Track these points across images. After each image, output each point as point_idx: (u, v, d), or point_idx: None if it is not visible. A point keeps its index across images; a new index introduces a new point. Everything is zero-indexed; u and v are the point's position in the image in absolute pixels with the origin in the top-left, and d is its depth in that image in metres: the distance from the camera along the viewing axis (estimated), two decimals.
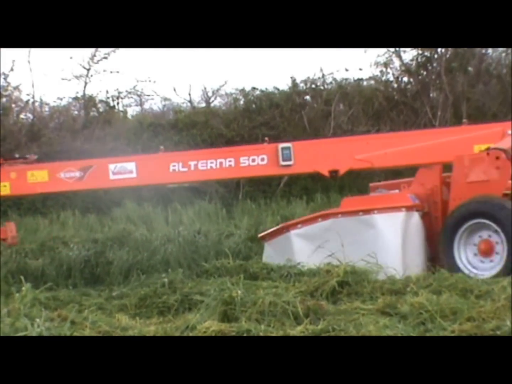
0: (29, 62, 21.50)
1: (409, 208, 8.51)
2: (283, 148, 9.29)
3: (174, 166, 9.40)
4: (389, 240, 8.25)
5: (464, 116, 20.42)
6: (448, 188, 8.66)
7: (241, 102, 22.54)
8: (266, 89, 21.99)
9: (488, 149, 8.31)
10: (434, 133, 10.12)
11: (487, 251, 8.14)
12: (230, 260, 8.12)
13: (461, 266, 8.15)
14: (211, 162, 9.36)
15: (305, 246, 8.45)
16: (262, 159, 9.27)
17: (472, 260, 8.21)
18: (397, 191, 9.19)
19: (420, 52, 20.79)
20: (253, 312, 5.90)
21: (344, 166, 9.39)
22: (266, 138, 9.95)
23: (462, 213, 8.20)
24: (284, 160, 9.25)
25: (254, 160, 9.32)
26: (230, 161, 9.35)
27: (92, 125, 21.75)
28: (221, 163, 9.36)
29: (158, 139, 20.09)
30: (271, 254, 8.87)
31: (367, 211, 8.43)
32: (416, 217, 8.58)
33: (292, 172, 9.88)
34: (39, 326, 5.20)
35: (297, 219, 9.04)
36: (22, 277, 8.13)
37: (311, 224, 8.62)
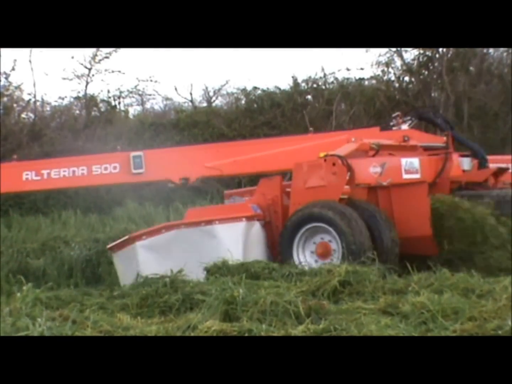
0: (30, 61, 21.54)
1: (249, 218, 8.72)
2: (134, 157, 9.54)
3: (27, 175, 9.50)
4: (230, 249, 8.36)
5: (466, 116, 20.50)
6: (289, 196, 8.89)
7: (243, 101, 22.57)
8: (268, 88, 22.02)
9: (325, 155, 8.51)
10: (283, 141, 10.49)
11: (324, 254, 8.37)
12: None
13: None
14: (64, 171, 9.48)
15: (150, 257, 8.52)
16: (115, 167, 9.43)
17: (311, 262, 8.42)
18: (246, 199, 9.44)
19: (421, 51, 20.79)
20: (255, 312, 5.90)
21: (194, 173, 9.68)
22: (118, 147, 10.08)
23: (300, 218, 8.41)
24: (135, 168, 9.46)
25: (106, 169, 9.51)
26: (82, 169, 9.52)
27: (93, 124, 21.76)
28: (74, 172, 9.51)
29: (160, 138, 20.12)
30: (119, 266, 8.91)
31: (209, 222, 8.59)
32: (257, 226, 8.83)
33: (144, 180, 10.04)
34: (40, 326, 5.21)
35: (142, 230, 9.11)
36: (22, 277, 8.16)
37: (155, 236, 8.69)
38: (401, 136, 9.64)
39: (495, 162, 10.03)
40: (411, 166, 8.88)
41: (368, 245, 8.08)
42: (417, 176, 8.88)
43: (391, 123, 10.43)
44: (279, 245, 8.60)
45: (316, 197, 8.37)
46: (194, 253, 8.25)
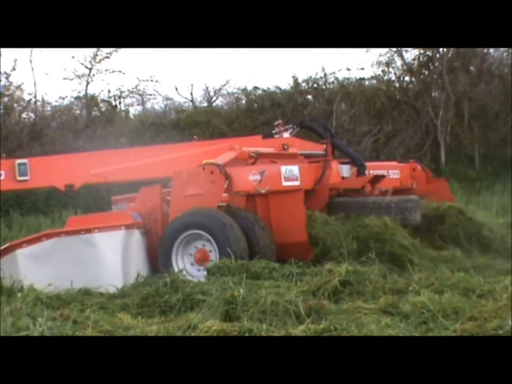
0: (31, 61, 21.55)
1: (129, 227, 8.76)
2: (19, 164, 9.46)
3: None
4: (108, 257, 8.45)
5: (466, 116, 20.50)
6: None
7: (243, 101, 22.57)
8: (268, 88, 22.02)
9: (204, 164, 8.66)
10: (168, 149, 10.65)
11: (202, 260, 8.53)
12: (232, 259, 8.13)
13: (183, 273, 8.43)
14: None
15: (31, 265, 8.44)
16: (0, 174, 9.39)
17: (190, 269, 8.59)
18: (132, 205, 9.52)
19: (422, 51, 20.77)
20: (255, 312, 5.91)
21: (79, 180, 9.68)
22: (3, 154, 10.10)
23: (178, 225, 8.56)
24: (20, 175, 9.42)
25: None
26: None
27: (94, 124, 21.77)
28: None
29: (160, 138, 20.12)
30: (3, 273, 8.89)
31: (88, 230, 8.57)
32: (137, 234, 8.87)
33: (29, 187, 9.99)
34: (41, 326, 5.22)
35: (23, 238, 9.06)
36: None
37: (35, 244, 8.62)
38: (280, 144, 9.76)
39: (374, 168, 10.27)
40: (290, 173, 9.02)
41: (244, 250, 8.26)
42: (297, 183, 9.04)
43: (273, 131, 10.59)
44: (158, 252, 8.72)
45: (195, 204, 8.51)
46: (73, 262, 8.30)
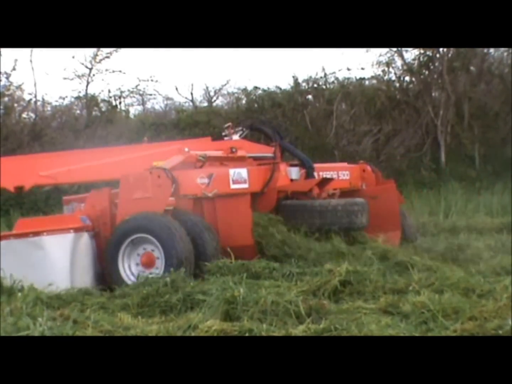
0: (31, 61, 21.55)
1: (78, 230, 8.75)
2: None
3: None
4: (57, 261, 8.44)
5: (466, 116, 20.51)
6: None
7: (243, 101, 22.57)
8: (268, 88, 22.01)
9: (151, 168, 8.72)
10: (118, 150, 10.62)
11: (148, 263, 8.53)
12: (232, 259, 8.14)
13: (125, 278, 8.51)
14: None
15: None
16: None
17: (136, 272, 8.58)
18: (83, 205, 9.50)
19: (422, 51, 20.77)
20: (255, 311, 5.91)
21: (28, 182, 9.66)
22: None
23: (125, 228, 8.58)
24: None
25: None
26: None
27: (94, 124, 21.77)
28: None
29: (160, 138, 20.11)
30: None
31: (36, 233, 8.58)
32: (85, 238, 8.84)
33: None
34: (41, 325, 5.22)
35: None
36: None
37: None
38: (229, 147, 9.81)
39: (324, 170, 10.31)
40: (239, 176, 9.11)
41: (189, 253, 8.30)
42: (245, 186, 9.12)
43: (223, 134, 10.62)
44: (104, 255, 8.75)
45: (142, 208, 8.53)
46: (22, 265, 8.28)
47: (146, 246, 8.52)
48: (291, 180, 9.79)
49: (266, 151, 10.06)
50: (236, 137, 10.39)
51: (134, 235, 8.51)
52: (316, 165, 10.25)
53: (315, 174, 9.93)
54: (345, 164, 11.19)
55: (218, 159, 9.70)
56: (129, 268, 8.58)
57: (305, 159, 10.04)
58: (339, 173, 10.41)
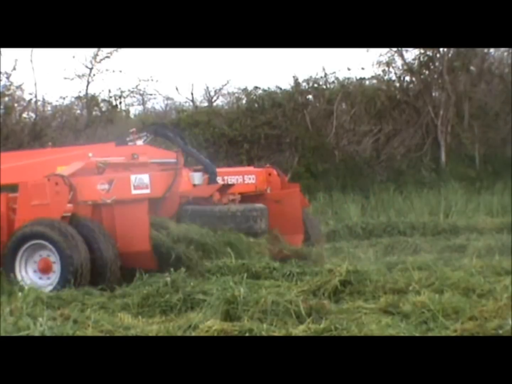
0: (31, 61, 21.51)
1: None
2: None
3: None
4: None
5: (467, 115, 20.50)
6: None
7: (244, 101, 22.52)
8: (269, 88, 21.97)
9: (49, 175, 8.76)
10: (21, 155, 10.76)
11: (45, 269, 8.59)
12: (233, 259, 8.13)
13: (22, 284, 8.48)
14: None
15: None
16: None
17: (33, 277, 8.63)
18: None
19: (422, 51, 20.74)
20: (256, 311, 5.91)
21: None
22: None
23: (22, 235, 8.63)
24: None
25: None
26: None
27: (94, 124, 21.72)
28: None
29: (160, 138, 20.09)
30: None
31: None
32: None
33: None
34: (41, 325, 5.23)
35: None
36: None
37: None
38: (130, 153, 9.85)
39: (229, 174, 10.40)
40: (140, 182, 9.16)
41: (85, 259, 8.36)
42: (147, 191, 9.17)
43: (127, 139, 10.58)
44: (1, 261, 8.77)
45: (40, 214, 8.58)
46: None
47: (43, 253, 8.58)
48: (194, 185, 9.86)
49: (168, 156, 10.11)
50: (140, 142, 10.43)
51: (31, 241, 8.56)
52: (221, 170, 10.42)
53: (219, 179, 9.99)
54: (251, 168, 11.28)
55: (120, 165, 9.73)
56: (26, 274, 8.63)
57: (208, 165, 10.09)
58: (245, 177, 10.49)
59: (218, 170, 10.15)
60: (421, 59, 21.05)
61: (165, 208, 9.30)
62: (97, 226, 8.79)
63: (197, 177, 9.90)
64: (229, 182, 10.04)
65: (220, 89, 24.93)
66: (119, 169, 9.59)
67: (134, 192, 9.05)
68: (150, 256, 8.61)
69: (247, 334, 5.34)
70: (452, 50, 20.64)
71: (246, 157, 19.71)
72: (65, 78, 22.52)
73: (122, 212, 8.89)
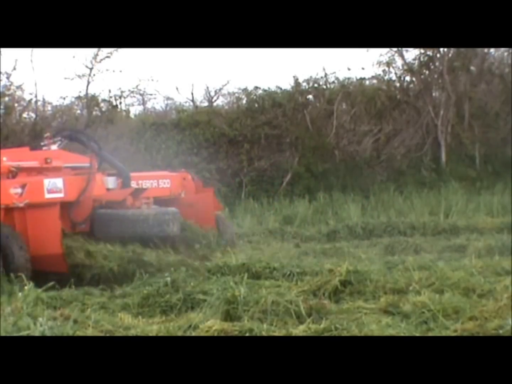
0: (31, 61, 21.51)
1: None
2: None
3: None
4: None
5: (467, 115, 20.51)
6: None
7: (244, 101, 22.52)
8: (269, 88, 21.96)
9: None
10: None
11: None
12: (233, 259, 8.13)
13: None
14: None
15: None
16: None
17: None
18: None
19: (422, 51, 20.75)
20: (256, 311, 5.91)
21: None
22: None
23: None
24: None
25: None
26: None
27: (94, 124, 21.71)
28: None
29: (161, 138, 20.10)
30: None
31: None
32: None
33: None
34: (41, 325, 5.22)
35: None
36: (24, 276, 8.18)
37: None
38: (43, 157, 9.90)
39: (144, 179, 10.48)
40: (54, 186, 9.23)
41: None
42: (60, 195, 9.23)
43: (42, 143, 10.69)
44: None
45: None
46: None
47: None
48: (108, 189, 9.92)
49: (82, 161, 10.18)
50: (54, 147, 10.48)
51: None
52: (136, 174, 10.46)
53: (133, 183, 10.04)
54: (166, 173, 11.32)
55: (34, 170, 9.78)
56: None
57: (121, 169, 10.14)
58: (160, 181, 10.60)
59: (132, 174, 10.21)
60: (421, 59, 21.06)
61: (78, 211, 9.38)
62: (9, 230, 8.92)
63: (111, 181, 9.99)
64: (144, 186, 10.12)
65: (220, 89, 24.92)
66: (32, 173, 9.67)
67: (47, 196, 9.15)
68: (62, 259, 8.74)
69: (247, 334, 5.34)
70: (452, 50, 20.65)
71: (246, 157, 19.72)
72: (65, 78, 22.53)
73: (34, 216, 9.01)
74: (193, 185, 10.99)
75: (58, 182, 9.27)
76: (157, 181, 10.54)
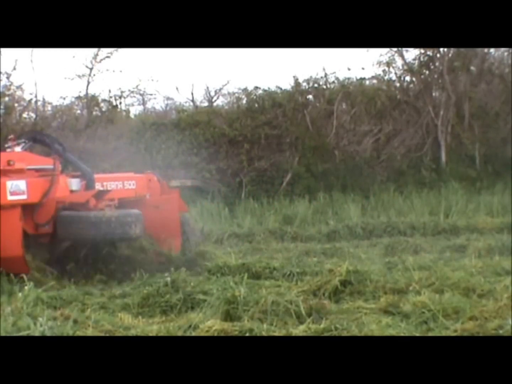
0: (31, 61, 21.51)
1: None
2: None
3: None
4: None
5: (467, 115, 20.51)
6: None
7: (244, 101, 22.50)
8: (269, 88, 21.95)
9: None
10: None
11: None
12: (233, 259, 8.13)
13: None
14: None
15: None
16: None
17: None
18: None
19: (422, 51, 20.74)
20: (256, 311, 5.91)
21: None
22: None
23: None
24: None
25: None
26: None
27: (94, 124, 21.71)
28: None
29: (161, 138, 20.09)
30: None
31: None
32: None
33: None
34: (41, 325, 5.22)
35: None
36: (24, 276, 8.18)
37: None
38: (6, 159, 9.88)
39: (109, 180, 10.53)
40: (17, 188, 9.25)
41: None
42: (24, 197, 9.26)
43: (6, 145, 10.67)
44: None
45: None
46: None
47: None
48: (72, 191, 9.93)
49: (46, 163, 10.18)
50: (18, 149, 10.48)
51: None
52: (101, 176, 10.55)
53: (98, 185, 10.07)
54: (131, 174, 11.33)
55: None
56: None
57: (85, 171, 10.15)
58: (125, 183, 10.65)
59: (97, 176, 10.26)
60: (421, 59, 21.05)
61: (41, 213, 9.41)
62: None
63: (75, 183, 10.00)
64: (109, 188, 10.15)
65: (220, 89, 24.90)
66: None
67: (10, 198, 9.16)
68: (22, 261, 8.80)
69: (247, 334, 5.34)
70: (452, 50, 20.64)
71: (246, 157, 19.71)
72: (65, 78, 22.53)
73: None
74: (158, 186, 11.08)
75: (21, 184, 9.30)
76: (122, 183, 10.61)
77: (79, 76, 22.24)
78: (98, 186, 9.96)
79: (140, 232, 9.51)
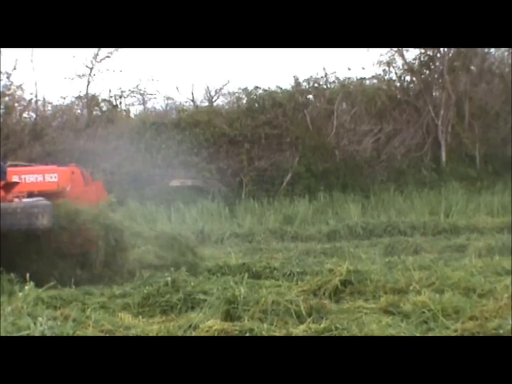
0: (32, 61, 21.53)
1: None
2: None
3: None
4: None
5: (467, 115, 20.51)
6: None
7: (244, 101, 22.52)
8: (269, 88, 21.97)
9: None
10: None
11: None
12: (233, 258, 8.14)
13: None
14: None
15: None
16: None
17: None
18: None
19: (422, 51, 20.76)
20: (256, 311, 5.91)
21: None
22: None
23: None
24: None
25: None
26: None
27: (95, 124, 21.75)
28: None
29: (161, 138, 20.11)
30: None
31: None
32: None
33: None
34: (42, 325, 5.22)
35: None
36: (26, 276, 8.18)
37: None
38: None
39: (28, 173, 10.55)
40: None
41: None
42: None
43: None
44: None
45: None
46: None
47: None
48: None
49: None
50: None
51: None
52: (20, 169, 10.59)
53: (14, 178, 10.02)
54: (53, 167, 11.41)
55: None
56: None
57: None
58: (46, 176, 10.71)
59: (15, 169, 10.29)
60: (422, 59, 21.06)
61: None
62: None
63: None
64: (28, 181, 10.18)
65: (220, 89, 24.91)
66: None
67: None
68: None
69: (247, 334, 5.34)
70: (452, 50, 20.66)
71: (247, 157, 19.72)
72: (66, 78, 22.56)
73: None
74: (81, 178, 11.17)
75: None
76: (43, 176, 10.67)
77: (79, 76, 22.28)
78: (15, 179, 9.96)
79: (48, 223, 9.43)
